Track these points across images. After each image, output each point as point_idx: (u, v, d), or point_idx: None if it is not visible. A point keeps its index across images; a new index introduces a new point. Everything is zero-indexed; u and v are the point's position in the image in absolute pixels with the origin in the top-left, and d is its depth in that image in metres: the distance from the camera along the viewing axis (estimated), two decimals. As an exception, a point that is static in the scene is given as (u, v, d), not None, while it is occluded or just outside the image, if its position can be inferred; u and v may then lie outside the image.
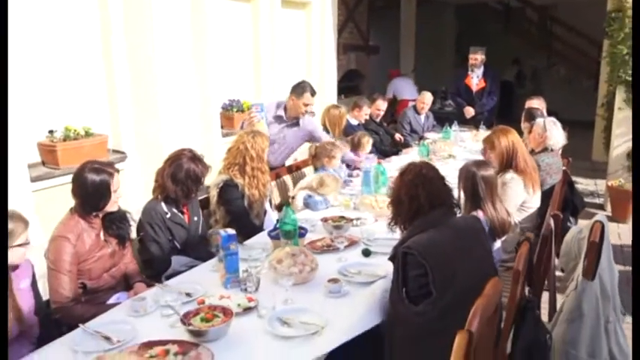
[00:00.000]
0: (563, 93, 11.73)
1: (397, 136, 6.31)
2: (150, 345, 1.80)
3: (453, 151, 5.29)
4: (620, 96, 5.82)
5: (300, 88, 4.08)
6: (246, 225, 3.15)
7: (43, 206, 3.60)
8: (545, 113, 4.89)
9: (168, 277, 2.57)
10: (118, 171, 2.51)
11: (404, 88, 8.42)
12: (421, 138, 6.35)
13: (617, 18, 5.88)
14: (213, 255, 2.81)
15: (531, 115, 4.61)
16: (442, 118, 7.01)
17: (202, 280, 2.39)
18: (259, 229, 3.24)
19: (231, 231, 2.35)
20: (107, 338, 1.89)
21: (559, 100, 10.40)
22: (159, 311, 2.12)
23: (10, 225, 1.95)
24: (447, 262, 1.88)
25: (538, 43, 13.07)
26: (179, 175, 2.74)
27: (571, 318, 2.10)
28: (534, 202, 3.33)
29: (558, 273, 2.99)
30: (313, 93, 4.14)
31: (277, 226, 2.78)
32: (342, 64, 8.23)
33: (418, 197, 1.98)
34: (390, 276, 2.38)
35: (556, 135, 3.69)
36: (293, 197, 3.79)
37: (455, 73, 9.12)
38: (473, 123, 6.46)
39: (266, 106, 4.03)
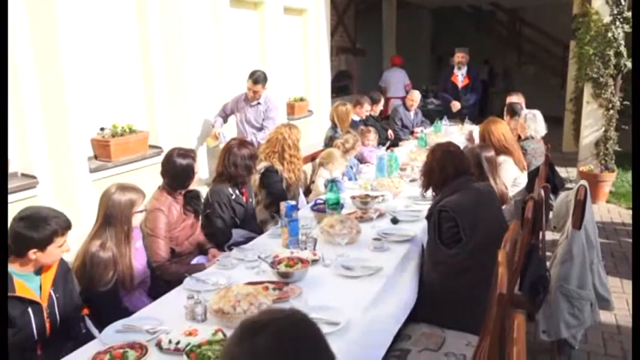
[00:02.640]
0: (532, 90, 12.51)
1: (389, 132, 6.92)
2: (253, 283, 2.33)
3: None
4: (588, 92, 6.56)
5: (249, 75, 4.92)
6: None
7: (99, 195, 4.07)
8: (524, 107, 5.58)
9: (230, 247, 3.11)
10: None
11: (393, 83, 8.97)
12: (411, 133, 7.00)
13: (583, 22, 6.61)
14: (262, 229, 3.39)
15: (512, 109, 5.31)
16: (425, 115, 7.66)
17: (267, 245, 2.93)
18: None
19: (293, 202, 2.90)
20: (214, 283, 2.42)
21: (528, 96, 11.15)
22: (241, 266, 2.66)
23: (134, 195, 2.47)
24: (472, 215, 2.49)
25: (508, 43, 13.94)
26: (237, 161, 3.28)
27: (563, 260, 2.73)
28: (523, 180, 3.99)
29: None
30: (258, 81, 4.85)
31: (319, 201, 3.35)
32: (334, 66, 8.81)
33: (446, 168, 2.60)
34: (418, 236, 3.00)
35: (537, 125, 4.35)
36: (312, 182, 4.36)
37: (433, 71, 9.88)
38: (459, 117, 7.13)
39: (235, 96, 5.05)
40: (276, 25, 6.48)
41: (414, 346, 2.37)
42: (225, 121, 5.06)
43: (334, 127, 5.41)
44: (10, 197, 3.41)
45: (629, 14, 6.14)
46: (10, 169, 3.44)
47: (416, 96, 7.15)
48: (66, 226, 2.09)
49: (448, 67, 7.57)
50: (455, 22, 13.83)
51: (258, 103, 4.95)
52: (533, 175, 4.10)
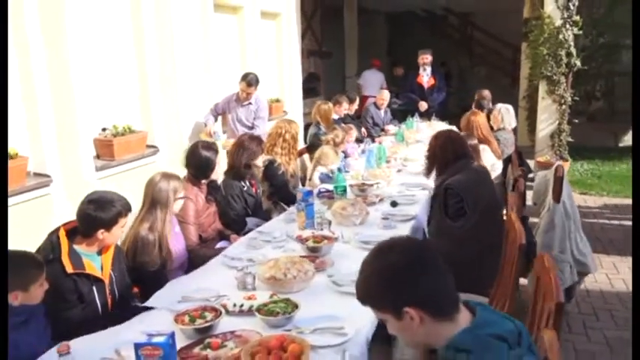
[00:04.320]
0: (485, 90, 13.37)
1: (362, 129, 7.29)
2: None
3: (418, 137, 6.37)
4: (543, 89, 7.18)
5: (242, 77, 5.21)
6: (287, 194, 4.00)
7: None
8: (490, 103, 6.08)
9: (245, 234, 3.37)
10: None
11: (372, 82, 9.36)
12: (382, 130, 7.42)
13: (537, 25, 7.23)
14: (270, 216, 3.67)
15: (480, 104, 5.80)
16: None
17: (283, 228, 3.20)
18: (296, 198, 4.08)
19: (309, 187, 3.20)
20: (249, 259, 2.68)
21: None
22: (268, 246, 2.93)
23: (177, 183, 2.70)
24: (474, 191, 2.87)
25: (461, 46, 14.68)
26: (245, 155, 3.55)
27: (546, 229, 3.15)
28: (499, 166, 4.45)
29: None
30: (251, 83, 5.13)
31: (322, 190, 3.67)
32: (304, 68, 9.12)
33: (448, 152, 2.97)
34: (418, 215, 3.36)
35: (510, 118, 4.83)
36: (310, 179, 4.66)
37: (389, 74, 10.42)
38: (426, 115, 7.60)
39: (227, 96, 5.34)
40: (254, 28, 6.74)
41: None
42: (215, 120, 5.28)
43: (317, 124, 5.72)
44: (26, 195, 3.54)
45: (577, 17, 6.78)
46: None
47: (386, 95, 7.58)
48: (128, 208, 2.30)
49: (412, 72, 8.02)
50: (410, 27, 14.44)
51: (249, 103, 5.20)
52: (506, 163, 4.57)
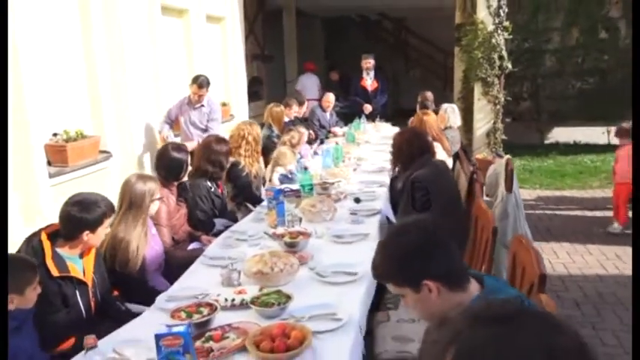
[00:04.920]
0: (419, 92, 13.92)
1: (310, 131, 7.43)
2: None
3: (366, 138, 6.60)
4: (478, 90, 7.62)
5: (192, 80, 5.24)
6: (251, 195, 4.05)
7: (57, 199, 4.08)
8: (433, 103, 6.40)
9: (216, 234, 3.40)
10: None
11: (308, 86, 9.50)
12: (329, 132, 7.59)
13: (470, 30, 7.67)
14: (235, 217, 3.71)
15: (424, 105, 6.10)
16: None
17: (254, 227, 3.26)
18: (260, 198, 4.14)
19: (280, 187, 3.27)
20: (229, 257, 2.72)
21: (416, 98, 12.41)
22: (244, 244, 2.98)
23: (153, 185, 2.69)
24: (438, 184, 3.06)
25: (395, 51, 15.20)
26: (212, 156, 3.56)
27: (501, 218, 3.41)
28: (449, 163, 4.70)
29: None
30: (202, 85, 5.17)
31: (287, 189, 3.75)
32: (248, 72, 9.13)
33: (413, 147, 3.15)
34: (382, 210, 3.52)
35: (455, 117, 5.13)
36: (270, 179, 4.72)
37: (327, 77, 10.70)
38: (371, 117, 7.85)
39: (177, 102, 5.35)
40: (200, 32, 6.70)
41: (398, 296, 2.86)
42: (171, 126, 5.21)
43: (270, 127, 5.78)
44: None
45: (507, 23, 7.27)
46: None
47: (331, 98, 7.76)
48: (112, 208, 2.29)
49: (356, 75, 8.26)
50: (345, 31, 14.80)
51: (202, 106, 5.18)
52: (453, 159, 4.85)
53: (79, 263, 2.27)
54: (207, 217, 3.53)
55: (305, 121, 8.09)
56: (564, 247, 4.86)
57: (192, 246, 3.22)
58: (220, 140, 3.63)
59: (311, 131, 7.43)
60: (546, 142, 9.57)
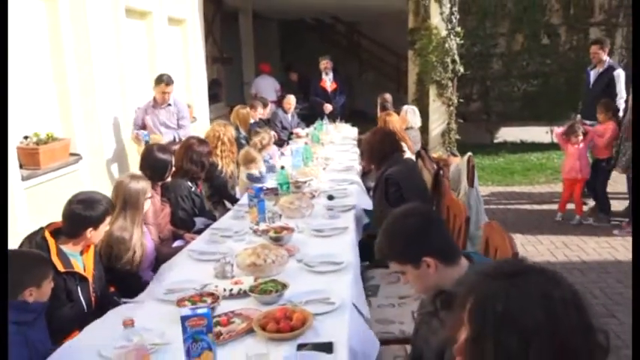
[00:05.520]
0: (373, 95, 14.26)
1: (273, 133, 7.58)
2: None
3: (329, 138, 6.82)
4: (433, 92, 8.00)
5: (159, 79, 5.23)
6: (227, 195, 4.18)
7: (30, 202, 4.07)
8: (392, 105, 6.70)
9: (196, 232, 3.52)
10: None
11: (265, 88, 9.63)
12: (291, 133, 7.77)
13: (424, 34, 8.04)
14: (215, 216, 3.83)
15: (384, 106, 6.39)
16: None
17: (236, 224, 3.41)
18: (235, 198, 4.27)
19: (260, 185, 3.43)
20: (216, 252, 2.86)
21: (370, 101, 12.74)
22: (229, 240, 3.12)
23: (145, 183, 2.79)
24: (409, 180, 3.31)
25: (349, 54, 15.53)
26: (194, 157, 3.68)
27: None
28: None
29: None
30: (169, 82, 5.24)
31: (263, 188, 3.91)
32: (208, 75, 9.17)
33: (385, 146, 3.38)
34: (358, 205, 3.74)
35: (416, 117, 5.43)
36: (237, 177, 4.85)
37: (284, 78, 10.90)
38: (332, 117, 8.08)
39: (141, 106, 5.34)
40: (163, 35, 6.73)
41: (380, 281, 3.09)
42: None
43: (237, 128, 5.89)
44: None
45: (459, 29, 7.69)
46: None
47: (292, 100, 7.95)
48: (112, 206, 2.39)
49: (315, 77, 8.48)
50: (301, 34, 15.02)
51: (169, 105, 5.23)
52: (416, 157, 5.13)
53: (80, 260, 2.36)
54: (187, 216, 3.64)
55: (267, 122, 8.25)
56: (518, 237, 5.23)
57: (176, 243, 3.33)
58: (202, 141, 3.75)
59: (274, 133, 7.61)
60: (495, 141, 10.11)
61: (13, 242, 3.61)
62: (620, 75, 5.83)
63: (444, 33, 7.65)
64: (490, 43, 9.73)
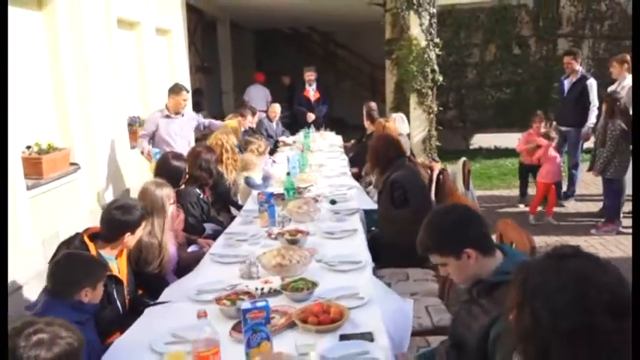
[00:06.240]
0: (349, 104, 14.51)
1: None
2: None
3: (317, 146, 6.99)
4: (414, 100, 8.25)
5: (178, 88, 5.28)
6: (230, 201, 4.29)
7: (34, 211, 4.08)
8: (377, 112, 6.91)
9: (206, 238, 3.63)
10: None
11: (256, 97, 9.73)
12: (276, 141, 7.91)
13: (404, 45, 8.31)
14: (221, 222, 3.95)
15: (370, 115, 6.60)
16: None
17: (249, 229, 3.52)
18: (239, 205, 4.39)
19: (272, 189, 3.56)
20: (236, 255, 2.97)
21: (346, 109, 13.01)
22: (244, 244, 3.24)
23: (168, 190, 2.89)
24: (413, 183, 3.50)
25: (325, 63, 15.76)
26: (203, 164, 3.78)
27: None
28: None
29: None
30: (187, 90, 5.38)
31: (272, 192, 4.04)
32: (191, 84, 9.23)
33: (390, 151, 3.56)
34: (361, 207, 3.91)
35: (404, 125, 5.65)
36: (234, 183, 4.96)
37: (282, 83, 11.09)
38: (315, 126, 8.25)
39: (150, 117, 5.32)
40: (150, 45, 6.79)
41: (390, 280, 3.25)
42: (149, 142, 5.22)
43: (229, 137, 6.00)
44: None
45: (437, 40, 7.99)
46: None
47: (277, 108, 8.12)
48: (147, 211, 2.49)
49: (299, 87, 8.68)
50: (276, 42, 15.20)
51: (182, 115, 5.28)
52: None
53: (115, 263, 2.45)
54: (197, 222, 3.73)
55: (254, 131, 8.37)
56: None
57: (190, 249, 3.42)
58: (209, 149, 3.86)
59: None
60: (471, 147, 10.47)
61: (17, 255, 3.66)
62: (592, 84, 6.20)
63: (423, 44, 7.93)
64: (464, 53, 10.11)
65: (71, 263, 1.93)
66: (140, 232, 2.47)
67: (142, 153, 5.11)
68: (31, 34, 4.39)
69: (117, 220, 2.35)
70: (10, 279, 3.72)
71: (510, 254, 1.80)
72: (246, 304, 1.82)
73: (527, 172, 6.53)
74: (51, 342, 1.40)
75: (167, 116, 5.20)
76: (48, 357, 1.38)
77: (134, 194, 5.13)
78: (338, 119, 12.19)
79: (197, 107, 9.88)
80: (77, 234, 2.39)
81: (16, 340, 1.39)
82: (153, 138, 5.18)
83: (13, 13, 4.10)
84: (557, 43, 9.72)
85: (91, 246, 2.31)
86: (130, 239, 2.42)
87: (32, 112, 4.41)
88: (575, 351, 1.06)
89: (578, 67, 6.37)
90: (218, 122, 5.68)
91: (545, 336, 1.09)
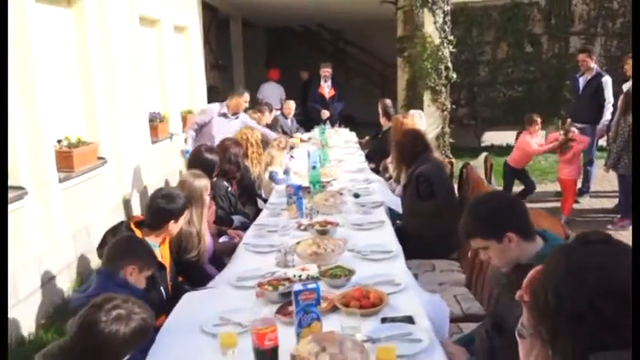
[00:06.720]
0: (359, 101, 14.60)
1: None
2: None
3: (332, 142, 7.08)
4: (427, 97, 8.33)
5: (241, 90, 5.45)
6: (255, 194, 4.38)
7: (66, 204, 4.19)
8: (392, 109, 6.98)
9: (235, 229, 3.72)
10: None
11: (271, 95, 9.81)
12: (291, 138, 7.99)
13: (418, 42, 8.38)
14: (248, 214, 4.04)
15: (386, 111, 6.67)
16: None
17: (279, 220, 3.61)
18: (263, 198, 4.48)
19: (300, 183, 3.65)
20: (270, 245, 3.06)
21: (356, 107, 13.08)
22: (274, 235, 3.32)
23: (206, 180, 2.98)
24: (439, 176, 3.58)
25: (335, 60, 15.83)
26: (232, 158, 3.88)
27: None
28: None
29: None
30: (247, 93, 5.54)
31: (300, 185, 4.12)
32: (206, 81, 9.33)
33: (417, 145, 3.65)
34: (385, 201, 3.99)
35: (422, 122, 5.73)
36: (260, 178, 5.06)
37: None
38: (330, 123, 8.33)
39: (207, 110, 5.42)
40: (169, 42, 6.90)
41: (417, 271, 3.34)
42: (196, 135, 5.36)
43: (248, 133, 6.10)
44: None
45: (452, 37, 8.06)
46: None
47: (292, 105, 8.21)
48: (189, 200, 2.58)
49: (313, 84, 8.76)
50: (287, 40, 15.29)
51: (236, 117, 5.42)
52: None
53: (159, 250, 2.54)
54: (226, 215, 3.83)
55: (269, 127, 8.46)
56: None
57: (221, 239, 3.52)
58: (237, 143, 3.96)
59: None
60: (483, 144, 10.52)
61: (51, 246, 3.76)
62: (607, 82, 6.25)
63: (437, 41, 8.00)
64: (477, 50, 10.15)
65: (124, 239, 2.04)
66: (182, 220, 2.56)
67: (185, 142, 5.22)
68: (60, 30, 4.50)
69: (162, 208, 2.45)
70: (43, 269, 3.85)
71: (551, 239, 1.87)
72: (297, 286, 1.90)
73: (513, 176, 6.51)
74: (128, 317, 1.50)
75: (224, 115, 5.35)
76: (127, 331, 1.47)
77: (153, 189, 5.27)
78: (348, 116, 12.25)
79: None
80: (122, 221, 2.49)
81: (97, 315, 1.48)
82: (198, 131, 5.35)
83: (44, 10, 4.21)
84: (570, 41, 9.75)
85: (138, 233, 2.41)
86: (174, 227, 2.51)
87: (62, 106, 4.52)
88: (578, 333, 1.09)
89: (593, 65, 6.42)
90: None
91: (553, 318, 1.13)
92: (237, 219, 3.88)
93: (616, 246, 1.18)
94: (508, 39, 10.00)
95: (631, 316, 1.06)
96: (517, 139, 6.58)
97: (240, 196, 4.37)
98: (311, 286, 1.89)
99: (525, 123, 6.30)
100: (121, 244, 2.24)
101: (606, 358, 1.05)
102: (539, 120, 6.24)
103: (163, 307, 2.48)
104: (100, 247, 2.45)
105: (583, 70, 6.49)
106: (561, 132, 6.02)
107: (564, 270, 1.14)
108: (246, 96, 5.42)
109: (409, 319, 2.09)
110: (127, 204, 5.23)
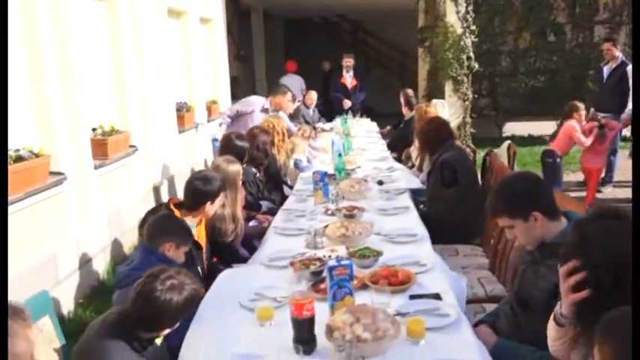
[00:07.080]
0: (379, 92, 14.62)
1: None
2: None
3: (354, 132, 7.16)
4: (449, 87, 8.35)
5: (285, 89, 5.63)
6: (281, 181, 4.51)
7: (101, 190, 4.37)
8: (415, 99, 7.04)
9: (263, 214, 3.85)
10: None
11: (291, 87, 9.89)
12: (313, 128, 8.10)
13: (439, 32, 8.39)
14: (274, 199, 4.17)
15: (409, 102, 6.73)
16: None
17: (305, 205, 3.73)
18: (289, 185, 4.60)
19: (326, 169, 3.76)
20: (299, 228, 3.18)
21: (376, 98, 13.10)
22: (302, 219, 3.44)
23: (238, 166, 3.12)
24: (463, 163, 3.66)
25: (355, 51, 15.85)
26: (260, 145, 4.00)
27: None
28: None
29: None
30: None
31: (327, 172, 4.23)
32: (229, 72, 9.47)
33: (442, 133, 3.72)
34: (410, 187, 4.08)
35: (445, 111, 5.78)
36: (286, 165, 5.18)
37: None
38: (352, 113, 8.41)
39: (251, 101, 5.50)
40: (195, 33, 7.04)
41: (441, 255, 3.41)
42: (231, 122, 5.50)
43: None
44: (45, 194, 3.62)
45: (474, 27, 8.06)
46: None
47: (314, 95, 8.31)
48: (224, 183, 2.71)
49: (336, 73, 8.84)
50: (306, 31, 15.35)
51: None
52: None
53: (196, 230, 2.68)
54: (254, 200, 3.96)
55: (292, 117, 8.58)
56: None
57: (251, 223, 3.65)
58: (265, 131, 4.08)
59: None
60: (504, 135, 10.50)
61: (88, 231, 3.93)
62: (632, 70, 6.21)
63: (459, 31, 8.01)
64: (499, 40, 10.11)
65: (162, 217, 2.17)
66: (218, 202, 2.69)
67: (220, 126, 5.39)
68: (94, 22, 4.65)
69: (199, 189, 2.58)
70: (80, 252, 4.03)
71: (576, 218, 1.95)
72: (332, 262, 2.02)
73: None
74: (180, 287, 1.63)
75: (266, 110, 5.46)
76: (179, 300, 1.60)
77: (180, 178, 5.43)
78: (367, 107, 12.30)
79: (234, 95, 10.16)
80: (162, 203, 2.63)
81: (153, 283, 1.62)
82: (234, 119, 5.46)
83: (78, 2, 4.36)
84: (594, 30, 9.65)
85: (177, 213, 2.54)
86: (210, 208, 2.64)
87: (96, 96, 4.68)
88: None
89: (618, 54, 6.39)
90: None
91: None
92: (264, 204, 4.01)
93: (616, 222, 1.38)
94: (531, 28, 9.94)
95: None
96: (560, 126, 6.10)
97: (266, 183, 4.50)
98: (344, 262, 2.00)
99: (565, 112, 5.85)
100: (158, 223, 2.38)
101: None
102: (582, 106, 5.83)
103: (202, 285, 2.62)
104: (141, 226, 2.59)
105: (607, 59, 6.46)
106: (594, 123, 5.89)
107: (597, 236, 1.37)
108: (289, 95, 5.55)
109: (436, 296, 2.19)
110: (156, 191, 5.40)
